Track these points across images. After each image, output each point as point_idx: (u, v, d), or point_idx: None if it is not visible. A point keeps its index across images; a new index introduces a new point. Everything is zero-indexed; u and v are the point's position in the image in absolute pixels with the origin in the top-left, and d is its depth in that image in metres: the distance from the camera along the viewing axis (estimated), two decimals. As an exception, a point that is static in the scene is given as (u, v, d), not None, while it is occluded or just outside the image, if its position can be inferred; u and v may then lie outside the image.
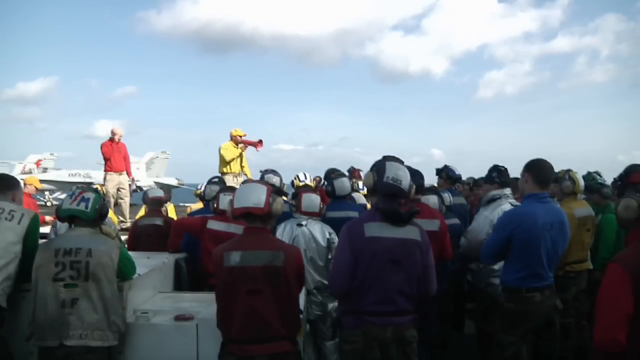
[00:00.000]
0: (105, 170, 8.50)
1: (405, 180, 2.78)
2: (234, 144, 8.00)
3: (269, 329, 2.65)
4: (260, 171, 5.30)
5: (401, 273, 2.69)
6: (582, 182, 4.46)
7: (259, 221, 2.80)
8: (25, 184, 7.85)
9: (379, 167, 2.83)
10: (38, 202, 10.23)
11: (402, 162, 2.90)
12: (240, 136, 8.05)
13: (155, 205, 5.58)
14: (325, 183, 5.41)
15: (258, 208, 2.74)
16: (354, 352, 2.71)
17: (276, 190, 3.05)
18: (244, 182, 3.99)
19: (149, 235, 5.04)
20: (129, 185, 8.67)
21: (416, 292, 2.76)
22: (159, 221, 5.27)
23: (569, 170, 4.50)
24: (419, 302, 2.82)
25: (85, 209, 2.95)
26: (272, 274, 2.66)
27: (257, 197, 2.75)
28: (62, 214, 3.01)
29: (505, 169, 4.35)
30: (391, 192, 2.76)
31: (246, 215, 2.79)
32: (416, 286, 2.75)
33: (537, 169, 3.33)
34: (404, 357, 2.73)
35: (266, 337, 2.65)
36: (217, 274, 2.78)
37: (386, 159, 2.87)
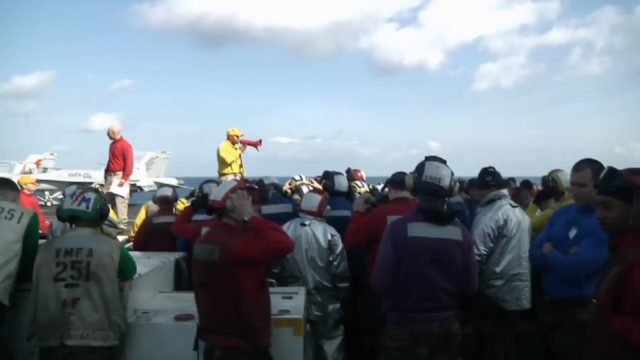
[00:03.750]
0: None
1: (446, 178, 2.82)
2: (231, 144, 7.97)
3: (218, 321, 2.73)
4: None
5: (442, 272, 2.75)
6: (565, 180, 4.31)
7: (219, 215, 2.87)
8: (21, 186, 7.92)
9: (419, 166, 2.89)
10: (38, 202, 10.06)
11: (443, 162, 2.92)
12: (238, 136, 8.02)
13: (164, 204, 5.59)
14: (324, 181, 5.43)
15: (215, 201, 2.84)
16: (400, 349, 2.75)
17: (250, 188, 3.04)
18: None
19: (165, 233, 4.94)
20: (120, 184, 8.09)
21: (457, 288, 2.83)
22: (173, 219, 5.30)
23: (553, 171, 4.54)
24: (461, 298, 2.88)
25: (87, 209, 2.96)
26: (211, 268, 2.72)
27: (219, 192, 2.86)
28: (63, 214, 3.02)
29: (497, 171, 4.38)
30: (430, 190, 2.81)
31: (211, 209, 2.93)
32: (457, 283, 2.81)
33: None
34: (450, 350, 2.80)
35: (217, 329, 2.73)
36: None
37: (427, 159, 2.91)
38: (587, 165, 3.08)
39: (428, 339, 2.73)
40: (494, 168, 4.39)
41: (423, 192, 2.84)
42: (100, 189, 5.55)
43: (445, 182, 2.82)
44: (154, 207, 6.11)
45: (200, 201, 4.74)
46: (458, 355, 2.88)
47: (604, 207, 2.14)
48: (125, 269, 3.02)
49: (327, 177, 5.05)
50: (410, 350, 2.74)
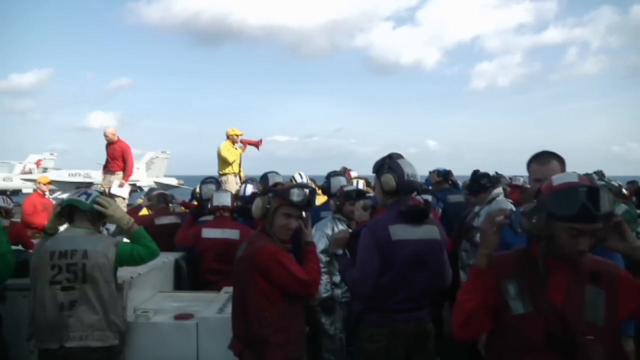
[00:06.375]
0: None
1: (417, 173, 2.82)
2: (231, 144, 7.98)
3: (233, 324, 2.73)
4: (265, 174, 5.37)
5: (426, 273, 2.70)
6: None
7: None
8: (41, 184, 8.47)
9: (392, 167, 2.78)
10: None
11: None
12: (238, 135, 8.03)
13: (162, 202, 5.59)
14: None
15: None
16: (378, 351, 2.69)
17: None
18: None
19: (168, 234, 4.93)
20: (120, 185, 7.97)
21: (436, 287, 2.81)
22: (177, 219, 5.31)
23: None
24: (436, 294, 2.87)
25: (85, 201, 2.94)
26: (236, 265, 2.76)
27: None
28: (64, 204, 2.99)
29: (487, 172, 4.44)
30: (414, 188, 2.78)
31: None
32: (436, 283, 2.79)
33: None
34: (425, 351, 2.76)
35: (234, 331, 2.72)
36: None
37: (394, 157, 2.85)
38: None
39: (404, 338, 2.69)
40: (479, 170, 4.48)
41: (407, 191, 2.76)
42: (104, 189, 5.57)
43: (419, 178, 2.83)
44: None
45: (199, 210, 4.77)
46: (436, 356, 2.84)
47: (527, 219, 1.87)
48: (127, 264, 2.97)
49: (326, 179, 5.08)
50: (390, 350, 2.69)
